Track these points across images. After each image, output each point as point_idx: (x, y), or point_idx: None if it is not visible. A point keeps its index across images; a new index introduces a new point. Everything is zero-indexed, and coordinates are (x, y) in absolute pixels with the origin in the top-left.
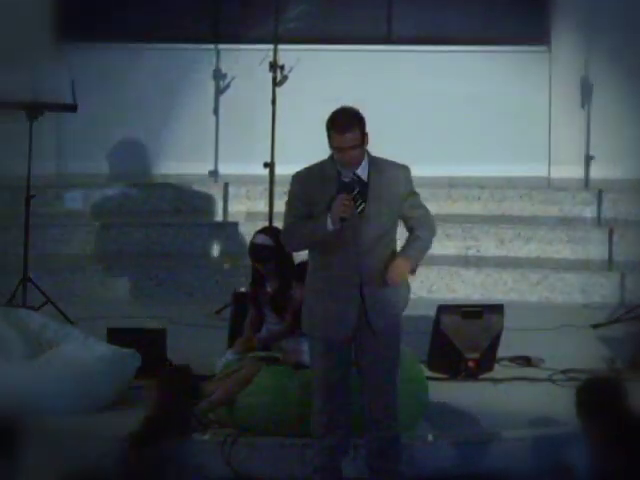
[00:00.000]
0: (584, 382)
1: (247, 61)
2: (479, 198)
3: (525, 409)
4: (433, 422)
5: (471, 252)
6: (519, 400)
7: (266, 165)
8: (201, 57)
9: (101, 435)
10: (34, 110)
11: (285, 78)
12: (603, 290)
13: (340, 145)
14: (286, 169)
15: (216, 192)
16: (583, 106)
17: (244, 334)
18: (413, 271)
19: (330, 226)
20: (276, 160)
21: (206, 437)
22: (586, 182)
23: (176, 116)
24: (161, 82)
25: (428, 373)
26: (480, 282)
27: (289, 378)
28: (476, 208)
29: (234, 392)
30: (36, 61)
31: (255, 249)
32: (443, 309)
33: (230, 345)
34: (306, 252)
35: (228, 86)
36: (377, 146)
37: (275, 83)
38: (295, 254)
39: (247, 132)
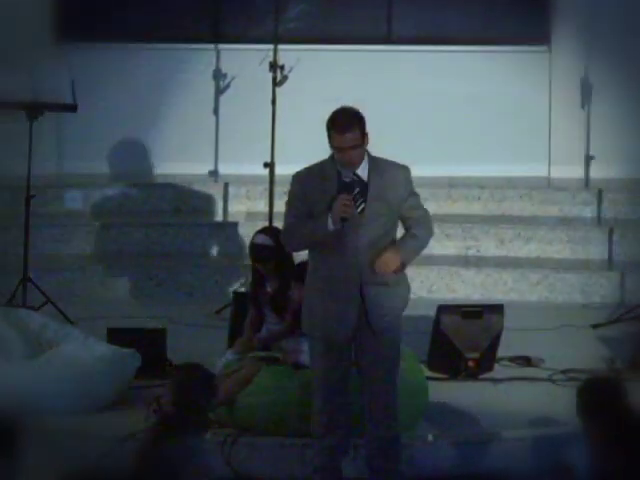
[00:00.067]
0: (584, 382)
1: (247, 61)
2: (479, 198)
3: (525, 409)
4: (433, 422)
5: (471, 252)
6: (519, 400)
7: (266, 165)
8: (201, 57)
9: (101, 435)
10: (34, 110)
11: (285, 78)
12: (603, 290)
13: (340, 145)
14: (286, 169)
15: (216, 192)
16: (583, 106)
17: (244, 334)
18: (403, 266)
19: (331, 226)
20: (276, 160)
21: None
22: (586, 182)
23: (176, 116)
24: (161, 82)
25: (428, 373)
26: (480, 282)
27: (289, 378)
28: (476, 208)
29: (234, 392)
30: (36, 61)
31: (255, 249)
32: (443, 309)
33: (230, 345)
34: (306, 252)
35: (228, 86)
36: (377, 146)
37: (275, 83)
38: (295, 254)
39: (247, 132)
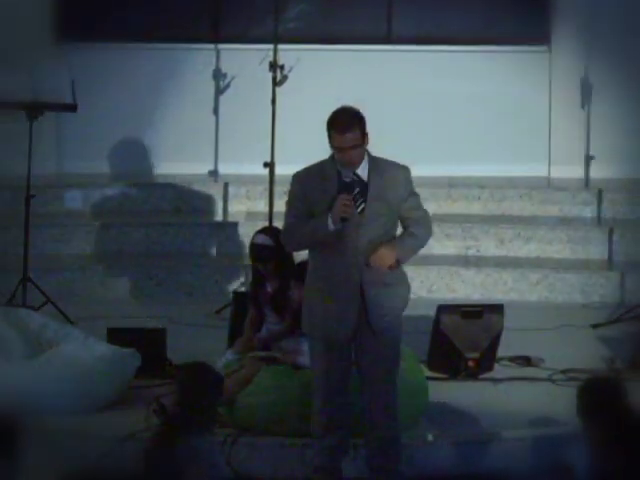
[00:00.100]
0: (584, 382)
1: (247, 61)
2: (479, 198)
3: (525, 409)
4: (433, 422)
5: (471, 252)
6: (519, 400)
7: (266, 165)
8: (201, 57)
9: (101, 435)
10: (34, 110)
11: (285, 78)
12: (603, 290)
13: (340, 145)
14: (286, 169)
15: (216, 192)
16: (583, 106)
17: (244, 334)
18: (398, 262)
19: (331, 226)
20: (276, 160)
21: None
22: (586, 182)
23: (176, 116)
24: (161, 82)
25: (428, 373)
26: (480, 282)
27: (289, 378)
28: (476, 208)
29: (234, 392)
30: (36, 61)
31: (255, 249)
32: (443, 309)
33: (230, 345)
34: (306, 252)
35: (228, 86)
36: (377, 146)
37: (275, 83)
38: (295, 254)
39: (247, 132)
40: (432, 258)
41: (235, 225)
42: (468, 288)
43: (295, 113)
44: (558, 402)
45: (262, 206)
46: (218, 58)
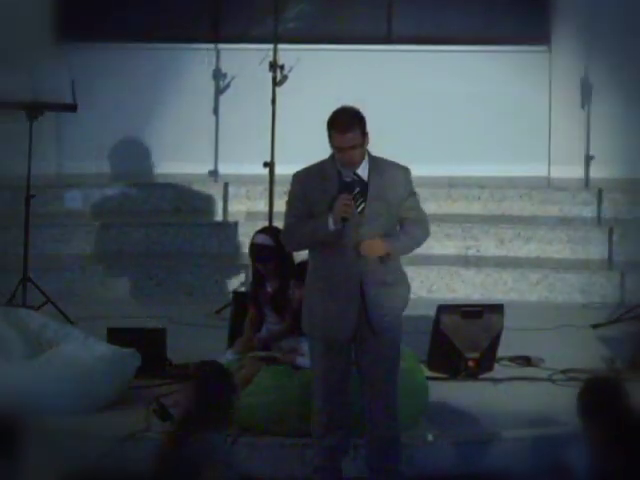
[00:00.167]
0: (584, 382)
1: (247, 61)
2: (479, 198)
3: (525, 409)
4: (433, 422)
5: (471, 252)
6: (519, 400)
7: (266, 165)
8: (201, 57)
9: (101, 435)
10: (34, 110)
11: (285, 78)
12: (603, 290)
13: (341, 145)
14: (286, 169)
15: (216, 192)
16: (583, 106)
17: (244, 334)
18: (388, 255)
19: (331, 226)
20: (276, 160)
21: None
22: (586, 182)
23: (176, 116)
24: (161, 82)
25: (428, 373)
26: (480, 282)
27: (289, 378)
28: (476, 208)
29: None
30: (36, 61)
31: (255, 249)
32: (443, 309)
33: (230, 345)
34: (306, 252)
35: (228, 86)
36: (377, 146)
37: (275, 83)
38: (295, 254)
39: (247, 132)
40: (432, 258)
41: (235, 225)
42: (468, 288)
43: (295, 113)
44: (558, 402)
45: (262, 206)
46: (218, 58)
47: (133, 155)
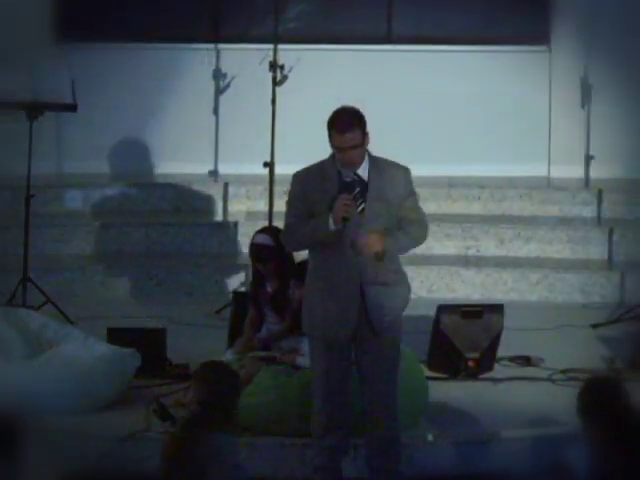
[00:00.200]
0: (584, 382)
1: (247, 61)
2: (479, 198)
3: (525, 409)
4: (433, 422)
5: (471, 252)
6: (519, 400)
7: (266, 165)
8: (201, 57)
9: (101, 435)
10: (34, 110)
11: (285, 78)
12: (603, 290)
13: (341, 145)
14: (286, 169)
15: (216, 192)
16: (583, 106)
17: (244, 334)
18: (383, 253)
19: (332, 226)
20: (276, 160)
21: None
22: (586, 182)
23: (176, 116)
24: (161, 82)
25: (428, 373)
26: (480, 282)
27: (289, 378)
28: (476, 208)
29: None
30: (36, 61)
31: (255, 249)
32: (443, 309)
33: (230, 345)
34: (306, 252)
35: (228, 86)
36: (377, 146)
37: (275, 83)
38: (295, 254)
39: (247, 132)
40: (432, 258)
41: (235, 225)
42: (468, 288)
43: (295, 113)
44: (558, 402)
45: (262, 206)
46: (218, 58)
47: (133, 155)
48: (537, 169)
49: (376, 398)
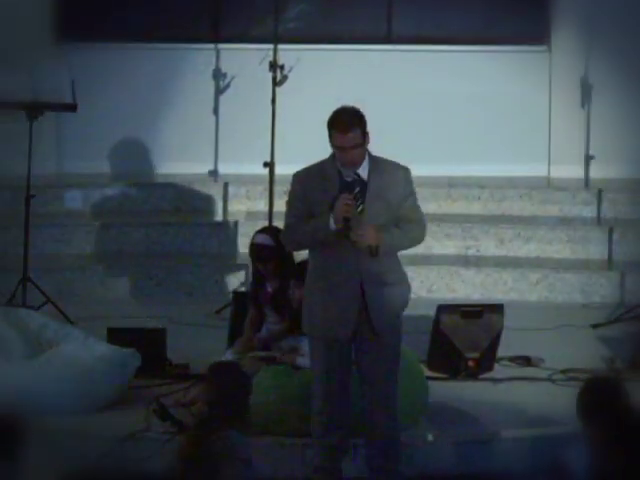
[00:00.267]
0: (584, 382)
1: (247, 61)
2: (479, 198)
3: (525, 409)
4: (433, 422)
5: (471, 252)
6: (519, 400)
7: (266, 165)
8: (201, 57)
9: (101, 435)
10: (34, 110)
11: (285, 78)
12: (603, 290)
13: (341, 144)
14: (286, 169)
15: (216, 192)
16: (583, 106)
17: (244, 334)
18: (377, 247)
19: (332, 226)
20: (276, 160)
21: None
22: (586, 182)
23: (176, 116)
24: (161, 82)
25: (428, 373)
26: (480, 282)
27: (289, 377)
28: (476, 208)
29: None
30: (36, 61)
31: (255, 249)
32: (443, 309)
33: (230, 345)
34: (306, 252)
35: (228, 86)
36: (377, 146)
37: (275, 83)
38: (295, 253)
39: (247, 132)
40: (432, 258)
41: (235, 225)
42: (468, 288)
43: (295, 113)
44: (558, 402)
45: (262, 206)
46: (218, 58)
47: (133, 155)
48: (537, 169)
49: (376, 398)
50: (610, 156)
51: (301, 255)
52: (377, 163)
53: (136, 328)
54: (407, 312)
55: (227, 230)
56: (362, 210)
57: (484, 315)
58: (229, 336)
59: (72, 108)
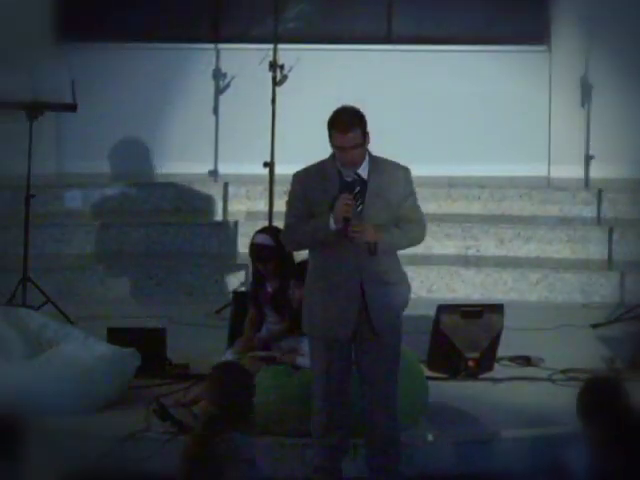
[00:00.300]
0: (584, 382)
1: (247, 61)
2: (479, 198)
3: (525, 409)
4: (433, 422)
5: (471, 252)
6: (519, 400)
7: (266, 165)
8: (201, 57)
9: (101, 435)
10: (34, 110)
11: (285, 78)
12: (603, 290)
13: (341, 144)
14: (286, 169)
15: (216, 192)
16: (583, 106)
17: (244, 334)
18: (375, 246)
19: (333, 226)
20: (276, 160)
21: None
22: (586, 182)
23: (176, 116)
24: (161, 82)
25: (428, 373)
26: (480, 282)
27: (289, 377)
28: (476, 208)
29: None
30: (36, 61)
31: (255, 249)
32: (443, 309)
33: (230, 345)
34: (306, 251)
35: (228, 86)
36: (377, 146)
37: (275, 83)
38: (295, 253)
39: (247, 132)
40: (432, 258)
41: (235, 225)
42: (468, 288)
43: (295, 113)
44: (558, 402)
45: (262, 206)
46: (218, 58)
47: (133, 155)
48: (537, 169)
49: (376, 398)
50: (610, 156)
51: (301, 255)
52: (377, 163)
53: (136, 328)
54: (407, 312)
55: (227, 230)
56: (362, 210)
57: (484, 315)
58: (229, 336)
59: (72, 108)
